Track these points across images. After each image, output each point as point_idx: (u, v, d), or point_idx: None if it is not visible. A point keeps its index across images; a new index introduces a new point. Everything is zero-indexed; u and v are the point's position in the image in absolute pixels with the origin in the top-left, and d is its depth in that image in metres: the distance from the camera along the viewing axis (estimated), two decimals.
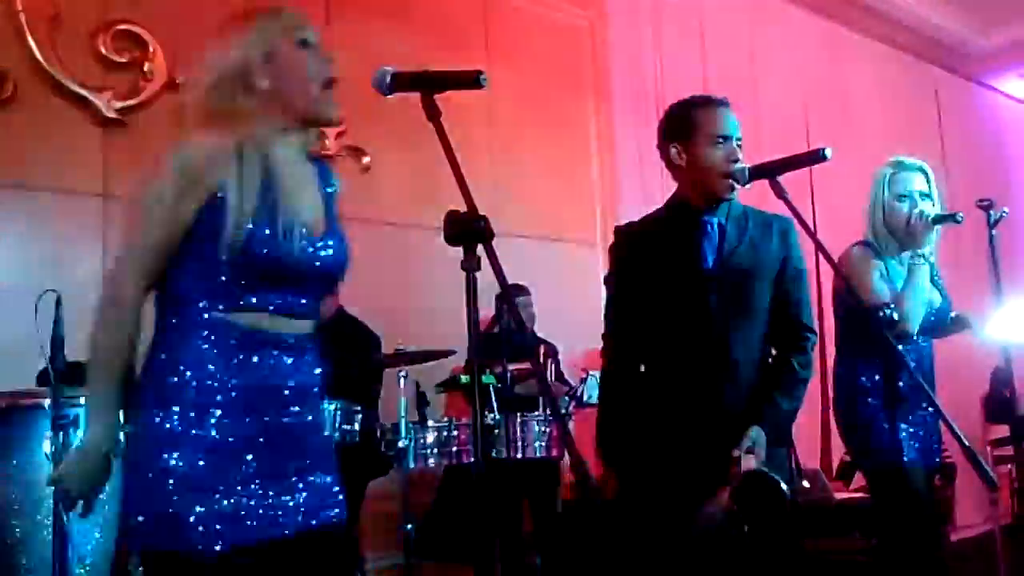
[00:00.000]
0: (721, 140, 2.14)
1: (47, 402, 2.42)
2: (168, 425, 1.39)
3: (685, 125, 2.18)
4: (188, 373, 1.40)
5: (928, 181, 2.63)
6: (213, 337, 1.41)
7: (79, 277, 3.52)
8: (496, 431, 3.60)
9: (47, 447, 2.39)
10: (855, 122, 6.53)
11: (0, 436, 2.46)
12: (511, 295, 1.20)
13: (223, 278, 1.41)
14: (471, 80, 1.42)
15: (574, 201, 5.39)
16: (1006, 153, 8.11)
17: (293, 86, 1.50)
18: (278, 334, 1.45)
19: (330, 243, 1.52)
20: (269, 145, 1.47)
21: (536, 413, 3.79)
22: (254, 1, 1.68)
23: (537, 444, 3.73)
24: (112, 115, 3.75)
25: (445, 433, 3.58)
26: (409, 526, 3.45)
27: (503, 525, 4.00)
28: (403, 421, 3.45)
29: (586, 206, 5.46)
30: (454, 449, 3.58)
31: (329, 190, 1.59)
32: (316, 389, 1.53)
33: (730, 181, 2.12)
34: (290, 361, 1.47)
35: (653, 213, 2.32)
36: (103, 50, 3.76)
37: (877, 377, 2.56)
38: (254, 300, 1.43)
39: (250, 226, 1.40)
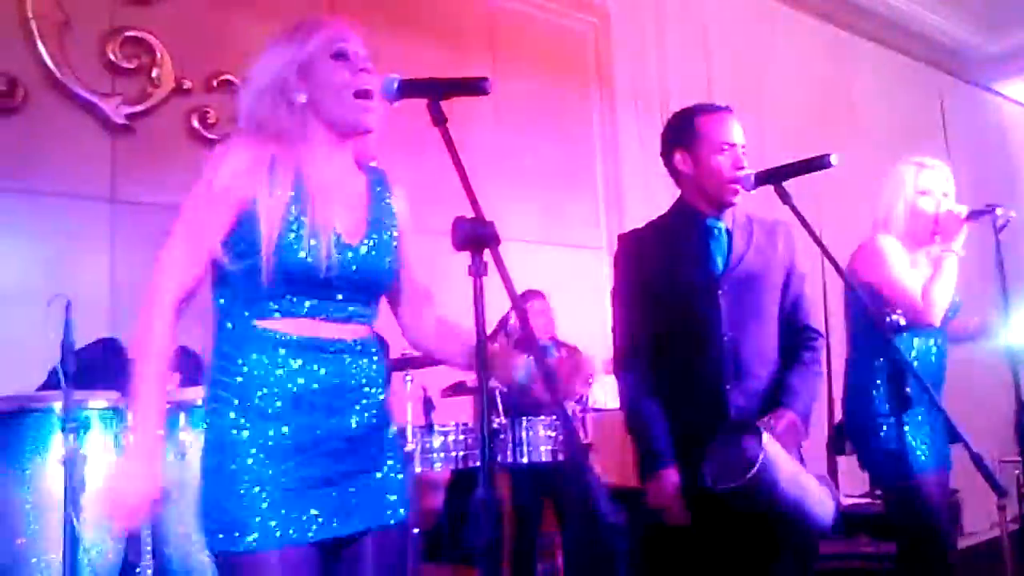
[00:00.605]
0: (726, 147, 2.15)
1: (57, 405, 2.44)
2: (224, 431, 1.43)
3: (690, 132, 2.19)
4: (241, 379, 1.44)
5: (948, 180, 2.63)
6: (261, 344, 1.45)
7: (87, 281, 3.55)
8: (502, 435, 3.61)
9: (58, 452, 2.40)
10: (860, 127, 6.53)
11: (10, 439, 2.47)
12: (520, 301, 1.20)
13: (262, 287, 1.43)
14: (477, 86, 1.43)
15: (579, 205, 5.40)
16: (1011, 157, 8.10)
17: (327, 98, 1.52)
18: (322, 340, 1.47)
19: (366, 250, 1.53)
20: (306, 155, 1.49)
21: (542, 417, 3.79)
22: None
23: (544, 448, 3.74)
24: (120, 121, 3.77)
25: (451, 437, 3.59)
26: (416, 530, 3.45)
27: (516, 529, 4.00)
28: (409, 426, 3.46)
29: (591, 210, 5.46)
30: (460, 453, 3.59)
31: (384, 199, 1.61)
32: (371, 391, 1.54)
33: (736, 187, 2.13)
34: (339, 366, 1.49)
35: (657, 219, 2.32)
36: (112, 56, 3.78)
37: (887, 381, 2.55)
38: (294, 307, 1.46)
39: (280, 234, 1.42)
